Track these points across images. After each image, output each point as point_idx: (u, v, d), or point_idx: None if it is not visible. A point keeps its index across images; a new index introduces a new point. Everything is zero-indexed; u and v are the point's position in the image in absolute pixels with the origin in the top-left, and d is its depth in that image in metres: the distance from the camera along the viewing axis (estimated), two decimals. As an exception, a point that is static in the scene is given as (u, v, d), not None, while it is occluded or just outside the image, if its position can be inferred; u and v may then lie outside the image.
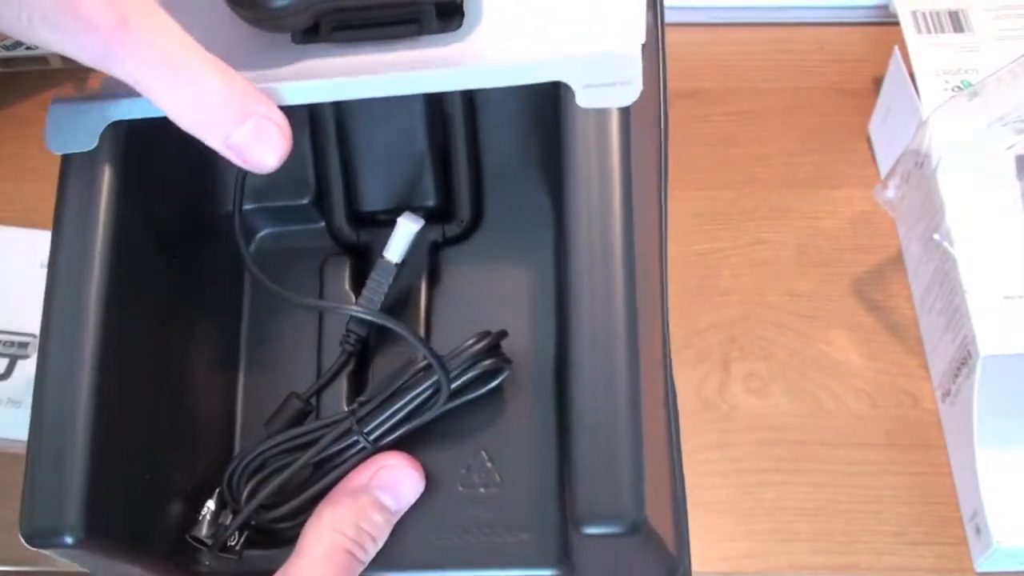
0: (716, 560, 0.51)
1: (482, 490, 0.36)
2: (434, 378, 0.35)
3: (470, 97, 0.39)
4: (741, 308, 0.58)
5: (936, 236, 0.51)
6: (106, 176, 0.35)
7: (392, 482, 0.36)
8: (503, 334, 0.36)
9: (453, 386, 0.35)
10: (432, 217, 0.39)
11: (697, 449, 0.54)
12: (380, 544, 0.36)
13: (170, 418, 0.38)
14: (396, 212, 0.38)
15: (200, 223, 0.40)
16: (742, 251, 0.60)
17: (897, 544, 0.51)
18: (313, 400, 0.38)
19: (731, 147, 0.65)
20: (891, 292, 0.58)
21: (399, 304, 0.39)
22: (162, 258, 0.37)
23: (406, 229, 0.37)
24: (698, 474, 0.53)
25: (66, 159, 0.35)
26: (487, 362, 0.35)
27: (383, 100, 0.35)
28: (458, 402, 0.36)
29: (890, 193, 0.55)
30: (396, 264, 0.37)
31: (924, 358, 0.56)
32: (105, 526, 0.33)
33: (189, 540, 0.37)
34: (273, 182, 0.39)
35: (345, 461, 0.36)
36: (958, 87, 0.56)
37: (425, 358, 0.35)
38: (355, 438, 0.36)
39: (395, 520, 0.36)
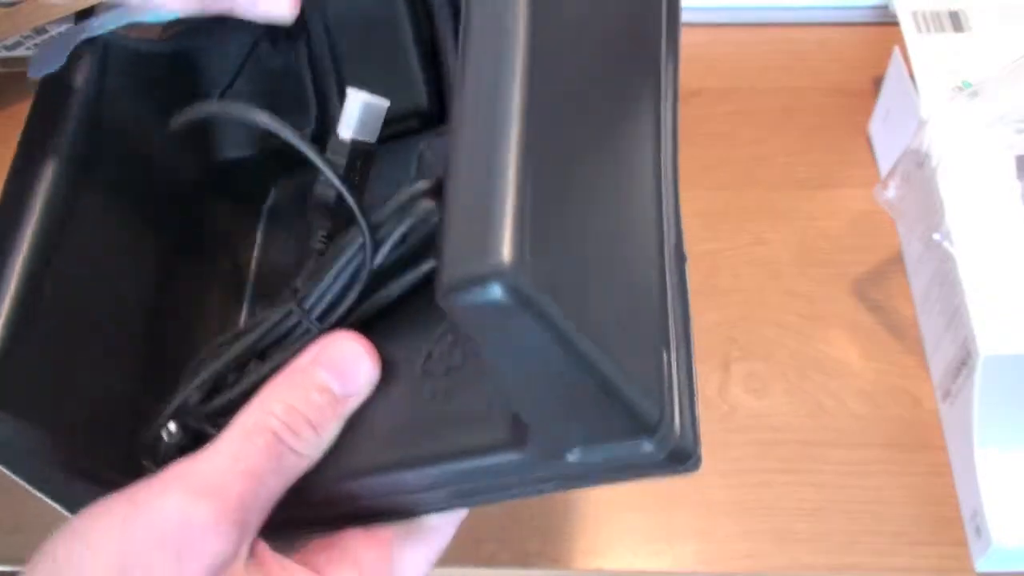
0: (716, 560, 0.51)
1: (443, 369, 0.32)
2: (361, 240, 0.31)
3: None
4: (741, 308, 0.58)
5: (936, 236, 0.51)
6: (76, 84, 0.34)
7: (336, 360, 0.31)
8: None
9: (390, 241, 0.31)
10: (427, 122, 0.37)
11: (697, 449, 0.54)
12: (324, 436, 0.31)
13: (155, 339, 0.36)
14: (395, 123, 0.36)
15: (195, 168, 0.38)
16: (742, 251, 0.60)
17: (897, 544, 0.51)
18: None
19: (731, 147, 0.65)
20: (891, 292, 0.58)
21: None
22: (139, 175, 0.36)
23: (355, 101, 0.35)
24: (698, 474, 0.53)
25: (42, 80, 0.35)
26: (423, 207, 0.31)
27: (368, 6, 0.34)
28: (413, 278, 0.32)
29: (890, 193, 0.55)
30: (350, 140, 0.34)
31: (924, 358, 0.56)
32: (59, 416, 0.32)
33: (142, 449, 0.34)
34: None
35: (290, 347, 0.33)
36: (958, 87, 0.56)
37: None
38: (297, 319, 0.33)
39: (343, 409, 0.31)
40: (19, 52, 0.67)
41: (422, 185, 0.31)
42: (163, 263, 0.37)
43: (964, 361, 0.50)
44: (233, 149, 0.40)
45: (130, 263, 0.36)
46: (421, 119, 0.37)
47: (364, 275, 0.32)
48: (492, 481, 0.31)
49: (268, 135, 0.38)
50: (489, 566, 0.51)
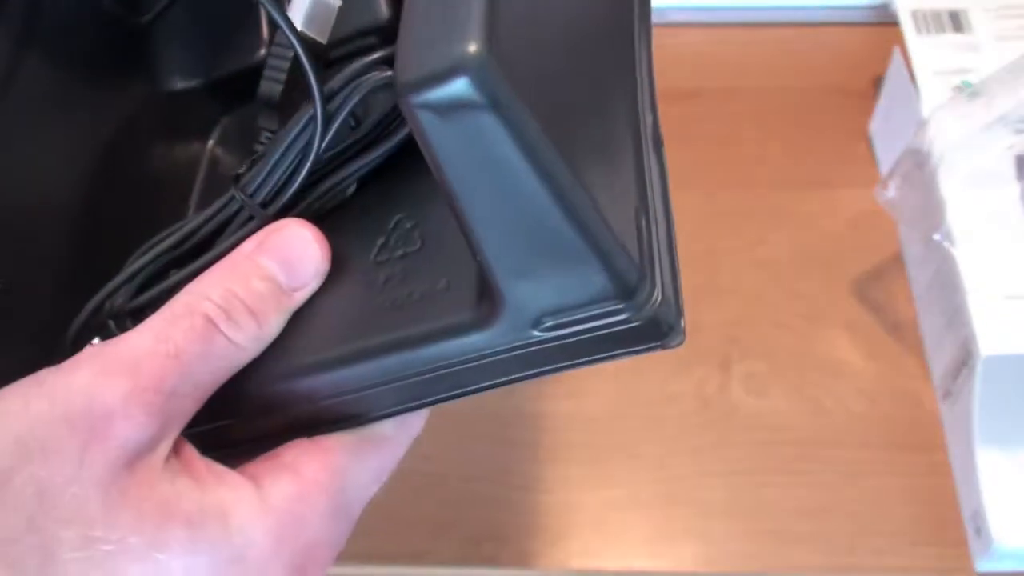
0: (716, 560, 0.51)
1: (399, 254, 0.28)
2: (311, 111, 0.28)
3: None
4: (741, 308, 0.58)
5: (936, 236, 0.51)
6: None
7: (282, 247, 0.28)
8: None
9: (343, 113, 0.28)
10: (386, 40, 0.32)
11: (697, 449, 0.54)
12: (265, 329, 0.27)
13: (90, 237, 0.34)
14: (352, 41, 0.33)
15: (140, 100, 0.36)
16: (742, 251, 0.60)
17: (897, 544, 0.51)
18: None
19: (731, 147, 0.65)
20: (891, 292, 0.58)
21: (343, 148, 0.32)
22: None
23: None
24: (698, 474, 0.53)
25: None
26: (379, 76, 0.28)
27: None
28: (365, 162, 0.29)
29: (890, 193, 0.55)
30: (297, 30, 0.31)
31: (924, 358, 0.56)
32: None
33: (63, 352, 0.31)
34: (221, 50, 0.36)
35: (231, 236, 0.30)
36: (958, 87, 0.56)
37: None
38: (239, 205, 0.30)
39: (289, 302, 0.28)
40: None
41: (374, 56, 0.28)
42: (99, 204, 0.35)
43: (964, 361, 0.50)
44: (178, 80, 0.37)
45: (63, 193, 0.33)
46: (380, 35, 0.33)
47: (313, 152, 0.29)
48: (453, 370, 0.27)
49: (215, 62, 0.36)
50: (489, 566, 0.51)
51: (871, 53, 0.67)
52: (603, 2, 0.29)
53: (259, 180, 0.29)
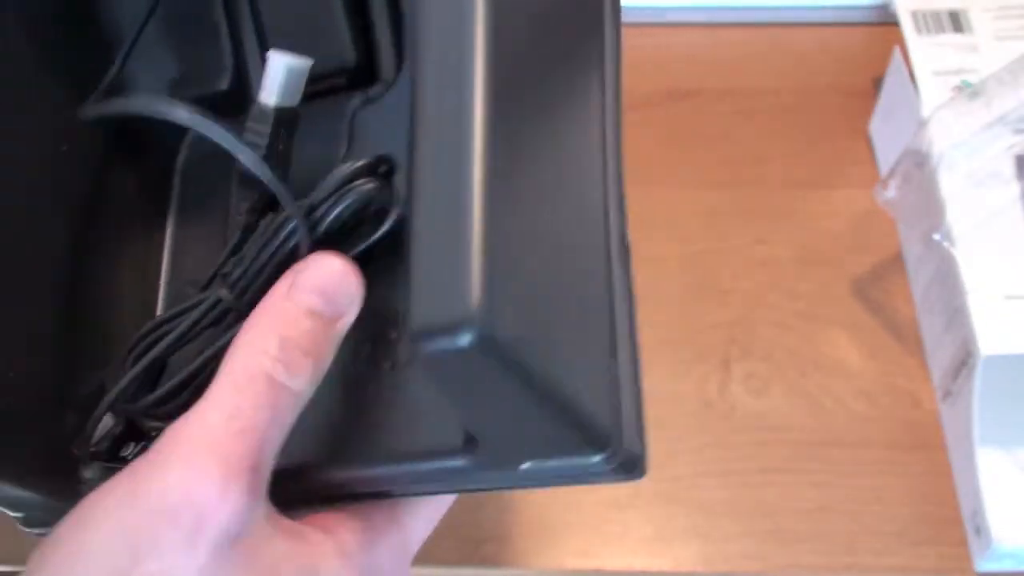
0: (716, 560, 0.51)
1: (390, 368, 0.30)
2: (291, 223, 0.30)
3: None
4: (741, 308, 0.58)
5: (936, 236, 0.51)
6: None
7: (315, 279, 0.28)
8: (384, 160, 0.30)
9: (326, 224, 0.30)
10: (355, 80, 0.35)
11: (697, 449, 0.54)
12: (320, 366, 0.28)
13: (69, 321, 0.34)
14: (320, 81, 0.34)
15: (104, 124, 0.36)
16: (742, 251, 0.60)
17: (897, 544, 0.51)
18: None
19: (731, 147, 0.65)
20: (891, 292, 0.58)
21: (318, 175, 0.33)
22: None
23: (277, 65, 0.32)
24: (698, 474, 0.53)
25: None
26: (363, 189, 0.29)
27: None
28: (357, 251, 0.30)
29: (890, 193, 0.55)
30: (274, 107, 0.32)
31: (924, 358, 0.56)
32: None
33: (77, 452, 0.33)
34: (186, 73, 0.36)
35: (222, 334, 0.31)
36: (958, 87, 0.56)
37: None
38: (228, 306, 0.31)
39: (335, 332, 0.28)
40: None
41: (357, 165, 0.30)
42: (69, 234, 0.35)
43: (964, 361, 0.50)
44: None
45: (33, 235, 0.33)
46: (349, 76, 0.35)
47: (303, 256, 0.30)
48: (446, 480, 0.30)
49: (179, 88, 0.36)
50: (489, 566, 0.51)
51: (871, 53, 0.67)
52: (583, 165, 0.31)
53: (245, 282, 0.31)
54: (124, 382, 0.32)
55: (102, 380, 0.34)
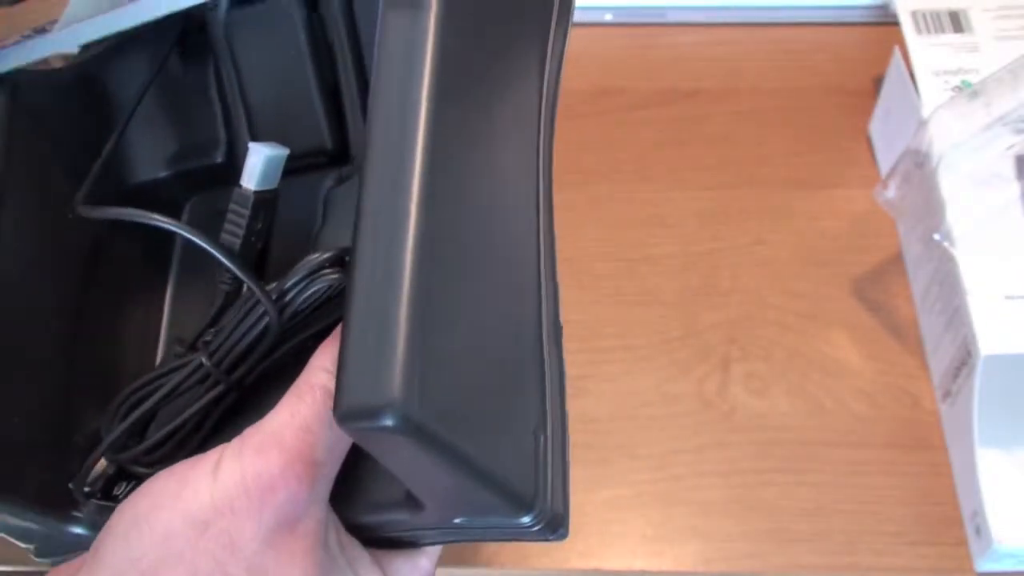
0: (716, 560, 0.51)
1: None
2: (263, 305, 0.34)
3: (351, 16, 0.38)
4: (741, 308, 0.58)
5: (936, 236, 0.51)
6: None
7: None
8: (348, 251, 0.34)
9: (292, 308, 0.34)
10: (333, 158, 0.39)
11: (697, 449, 0.54)
12: None
13: (71, 372, 0.38)
14: (301, 159, 0.38)
15: (113, 191, 0.39)
16: (742, 251, 0.60)
17: (897, 544, 0.51)
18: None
19: (731, 147, 0.65)
20: (891, 292, 0.58)
21: (292, 251, 0.38)
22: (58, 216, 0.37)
23: (257, 155, 0.37)
24: (698, 474, 0.53)
25: None
26: (328, 278, 0.33)
27: (270, 44, 0.36)
28: (313, 329, 0.35)
29: (890, 193, 0.55)
30: (253, 192, 0.37)
31: (924, 358, 0.56)
32: None
33: (73, 491, 0.36)
34: (184, 146, 0.40)
35: (203, 395, 0.36)
36: (958, 87, 0.56)
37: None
38: (207, 372, 0.35)
39: None
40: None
41: (323, 256, 0.33)
42: (77, 289, 0.39)
43: (964, 361, 0.50)
44: (145, 172, 0.41)
45: (43, 291, 0.37)
46: (326, 155, 0.39)
47: (271, 337, 0.35)
48: (397, 529, 0.34)
49: (180, 157, 0.41)
50: (489, 566, 0.51)
51: (871, 53, 0.67)
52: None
53: (222, 353, 0.35)
54: (115, 434, 0.36)
55: (99, 426, 0.37)
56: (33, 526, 0.36)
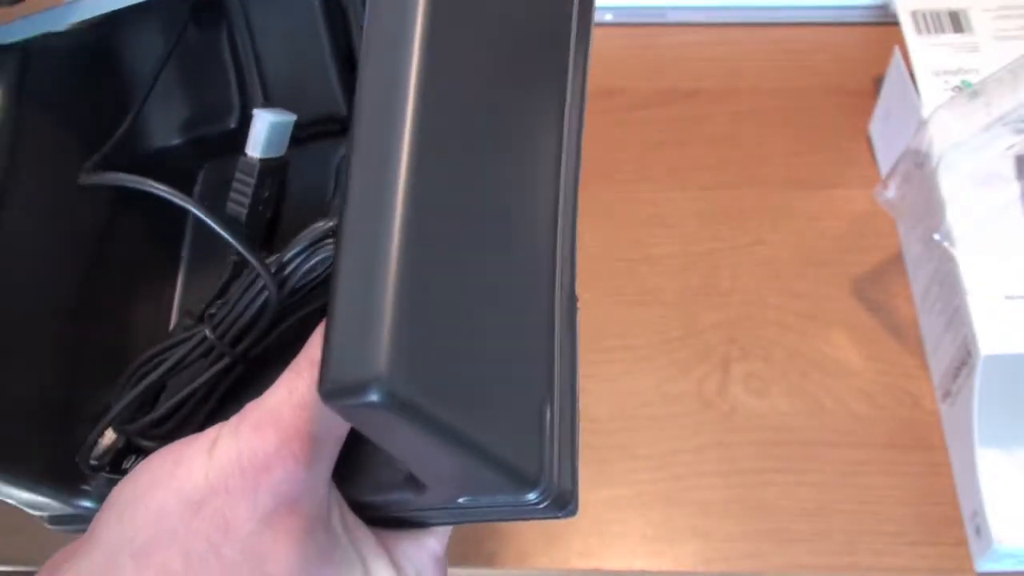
0: (716, 560, 0.51)
1: None
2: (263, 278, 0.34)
3: None
4: (741, 308, 0.58)
5: (936, 236, 0.51)
6: None
7: None
8: None
9: (294, 280, 0.33)
10: (345, 128, 0.38)
11: (697, 449, 0.54)
12: None
13: (81, 347, 0.37)
14: (314, 127, 0.37)
15: (126, 160, 0.39)
16: (742, 251, 0.60)
17: (897, 544, 0.51)
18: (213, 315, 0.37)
19: (731, 147, 0.65)
20: (891, 292, 0.58)
21: (304, 221, 0.36)
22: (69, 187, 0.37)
23: (262, 121, 0.36)
24: (698, 474, 0.53)
25: None
26: (331, 247, 0.32)
27: (285, 9, 0.36)
28: (318, 303, 0.34)
29: (890, 193, 0.55)
30: (259, 159, 0.36)
31: (924, 358, 0.56)
32: None
33: (80, 464, 0.36)
34: (197, 113, 0.40)
35: (209, 367, 0.35)
36: (958, 87, 0.56)
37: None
38: (211, 344, 0.35)
39: None
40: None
41: (327, 226, 0.32)
42: (88, 261, 0.38)
43: (964, 361, 0.50)
44: (158, 139, 0.40)
45: (53, 263, 0.36)
46: (340, 123, 0.38)
47: (271, 310, 0.34)
48: (402, 509, 0.33)
49: (193, 123, 0.40)
50: (489, 566, 0.51)
51: (871, 53, 0.67)
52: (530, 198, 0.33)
53: (225, 325, 0.34)
54: (120, 405, 0.35)
55: (108, 400, 0.37)
56: (42, 499, 0.35)
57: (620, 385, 0.56)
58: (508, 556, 0.51)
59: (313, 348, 0.31)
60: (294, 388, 0.30)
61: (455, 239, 0.28)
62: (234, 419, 0.31)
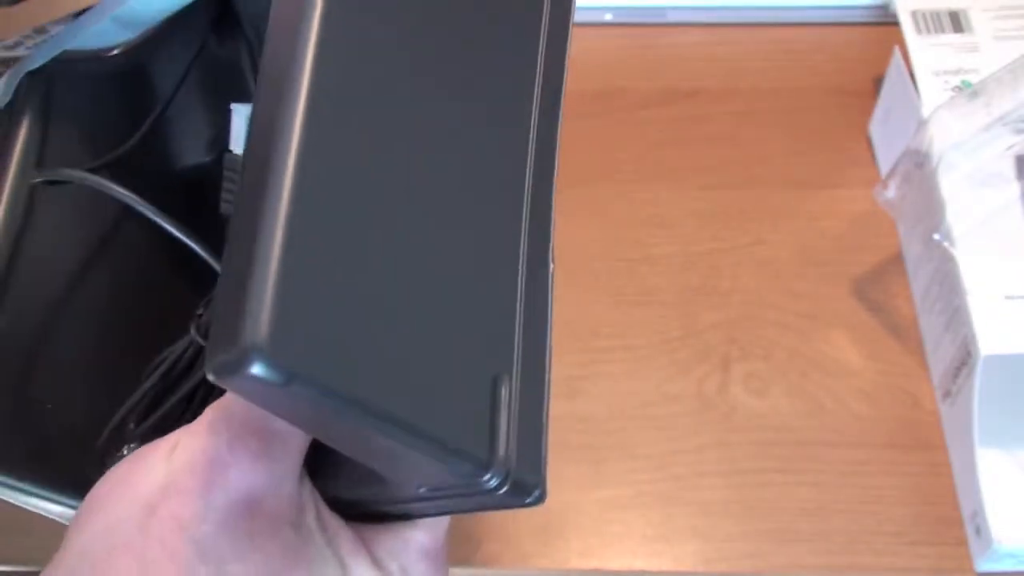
0: (716, 560, 0.51)
1: None
2: None
3: None
4: (741, 308, 0.58)
5: (936, 236, 0.51)
6: (23, 125, 0.36)
7: None
8: None
9: None
10: None
11: (697, 449, 0.54)
12: None
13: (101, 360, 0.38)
14: None
15: (157, 177, 0.40)
16: (742, 251, 0.60)
17: (897, 544, 0.51)
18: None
19: (731, 147, 0.65)
20: (891, 292, 0.58)
21: None
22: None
23: (239, 116, 0.36)
24: (698, 474, 0.53)
25: None
26: None
27: None
28: None
29: (890, 193, 0.55)
30: (241, 155, 0.36)
31: (924, 358, 0.56)
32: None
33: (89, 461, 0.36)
34: (223, 129, 0.40)
35: (199, 371, 0.35)
36: (958, 87, 0.56)
37: None
38: (199, 345, 0.35)
39: None
40: (19, 52, 0.67)
41: None
42: (115, 276, 0.39)
43: (964, 361, 0.50)
44: (189, 157, 0.41)
45: (82, 280, 0.37)
46: None
47: None
48: (380, 503, 0.31)
49: (220, 140, 0.40)
50: (489, 566, 0.51)
51: (871, 53, 0.67)
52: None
53: (207, 325, 0.34)
54: (120, 415, 0.36)
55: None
56: (73, 511, 0.35)
57: (620, 385, 0.56)
58: (508, 556, 0.51)
59: None
60: None
61: (361, 203, 0.26)
62: (196, 421, 0.30)
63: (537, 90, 0.32)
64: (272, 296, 0.22)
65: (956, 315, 0.51)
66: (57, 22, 0.46)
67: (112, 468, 0.30)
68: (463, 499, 0.29)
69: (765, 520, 0.52)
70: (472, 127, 0.30)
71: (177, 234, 0.34)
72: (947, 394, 0.53)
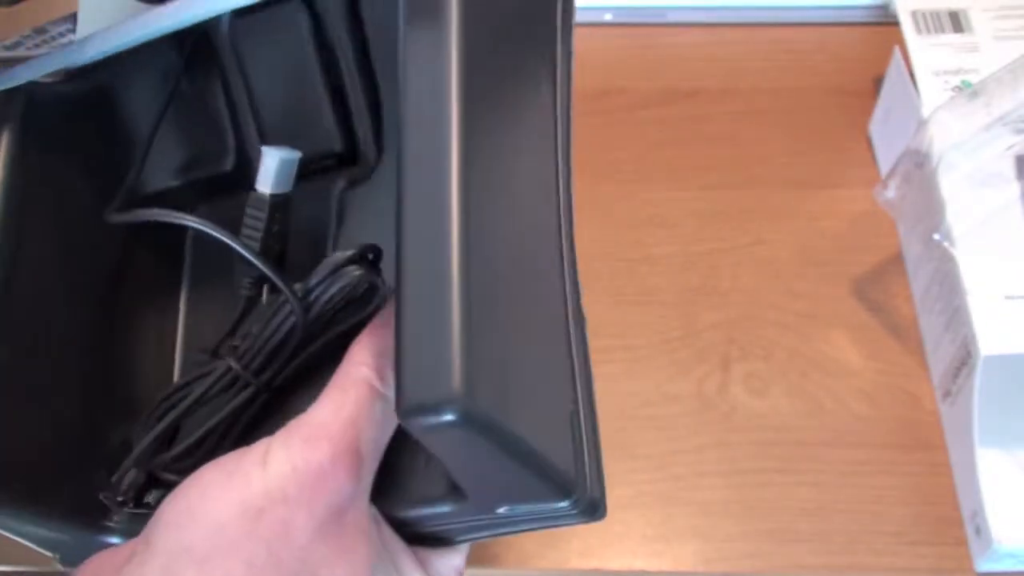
0: (716, 560, 0.51)
1: None
2: (289, 304, 0.35)
3: (355, 19, 0.39)
4: (741, 308, 0.58)
5: (936, 236, 0.51)
6: (2, 142, 0.36)
7: None
8: (371, 248, 0.35)
9: (319, 305, 0.35)
10: (342, 161, 0.40)
11: (697, 449, 0.54)
12: None
13: (97, 386, 0.38)
14: (311, 163, 0.39)
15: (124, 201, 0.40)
16: (742, 251, 0.60)
17: (897, 544, 0.51)
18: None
19: (731, 147, 0.65)
20: (891, 292, 0.58)
21: (309, 254, 0.39)
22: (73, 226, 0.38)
23: (271, 159, 0.37)
24: (698, 474, 0.53)
25: None
26: (351, 274, 0.34)
27: (275, 48, 0.37)
28: (338, 329, 0.35)
29: (890, 193, 0.55)
30: (269, 195, 0.37)
31: (924, 358, 0.56)
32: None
33: (106, 500, 0.37)
34: (194, 155, 0.41)
35: (232, 398, 0.36)
36: (958, 87, 0.56)
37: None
38: (236, 374, 0.36)
39: None
40: (19, 52, 0.67)
41: (348, 254, 0.34)
42: (101, 296, 0.39)
43: (964, 361, 0.50)
44: (156, 181, 0.42)
45: (70, 298, 0.38)
46: (335, 159, 0.40)
47: (297, 335, 0.35)
48: (438, 523, 0.34)
49: (190, 166, 0.42)
50: (489, 566, 0.51)
51: (871, 53, 0.67)
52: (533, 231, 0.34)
53: (251, 354, 0.36)
54: (145, 442, 0.37)
55: (126, 437, 0.38)
56: (65, 537, 0.36)
57: (620, 385, 0.56)
58: (509, 557, 0.51)
59: (354, 366, 0.32)
60: (342, 405, 0.32)
61: (499, 264, 0.30)
62: (281, 434, 0.32)
63: (558, 128, 0.35)
64: (462, 349, 0.27)
65: (956, 315, 0.51)
66: (57, 22, 0.46)
67: (195, 475, 0.32)
68: (536, 518, 0.33)
69: (765, 520, 0.52)
70: (531, 191, 0.33)
71: (263, 266, 0.35)
72: (947, 394, 0.53)
